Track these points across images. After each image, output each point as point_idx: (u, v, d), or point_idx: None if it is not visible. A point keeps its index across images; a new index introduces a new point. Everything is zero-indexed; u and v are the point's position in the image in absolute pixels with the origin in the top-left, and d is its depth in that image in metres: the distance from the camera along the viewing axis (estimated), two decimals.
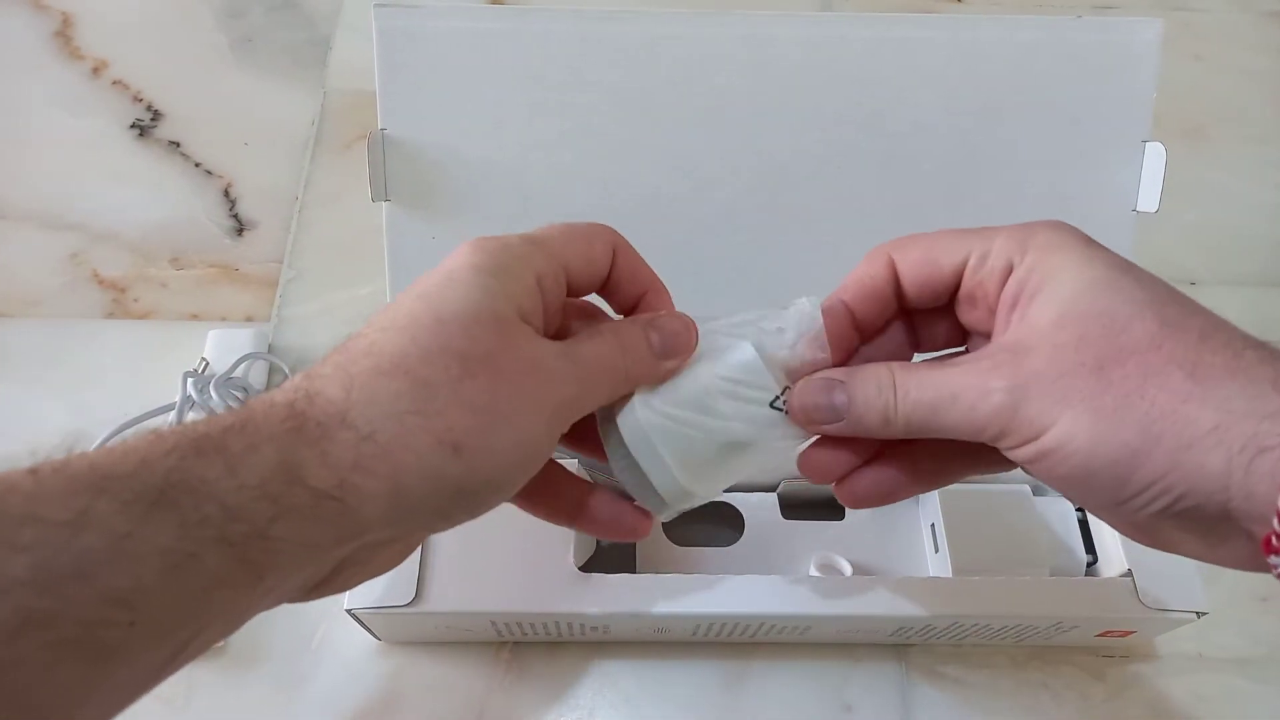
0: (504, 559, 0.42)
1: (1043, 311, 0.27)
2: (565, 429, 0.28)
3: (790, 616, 0.42)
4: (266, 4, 0.72)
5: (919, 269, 0.30)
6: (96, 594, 0.20)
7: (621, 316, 0.33)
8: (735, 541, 0.47)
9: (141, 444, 0.22)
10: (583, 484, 0.33)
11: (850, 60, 0.43)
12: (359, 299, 0.58)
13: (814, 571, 0.45)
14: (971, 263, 0.29)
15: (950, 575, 0.44)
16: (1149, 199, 0.44)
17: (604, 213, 0.45)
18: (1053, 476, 0.26)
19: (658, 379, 0.30)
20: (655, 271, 0.33)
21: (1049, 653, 0.48)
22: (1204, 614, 0.42)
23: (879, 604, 0.42)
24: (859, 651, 0.48)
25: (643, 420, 0.30)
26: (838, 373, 0.30)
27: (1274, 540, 0.23)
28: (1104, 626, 0.44)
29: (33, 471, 0.21)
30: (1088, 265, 0.27)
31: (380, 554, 0.28)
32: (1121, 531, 0.29)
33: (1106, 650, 0.48)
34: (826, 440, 0.31)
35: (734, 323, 0.32)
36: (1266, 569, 0.24)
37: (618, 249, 0.31)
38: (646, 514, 0.33)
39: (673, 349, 0.30)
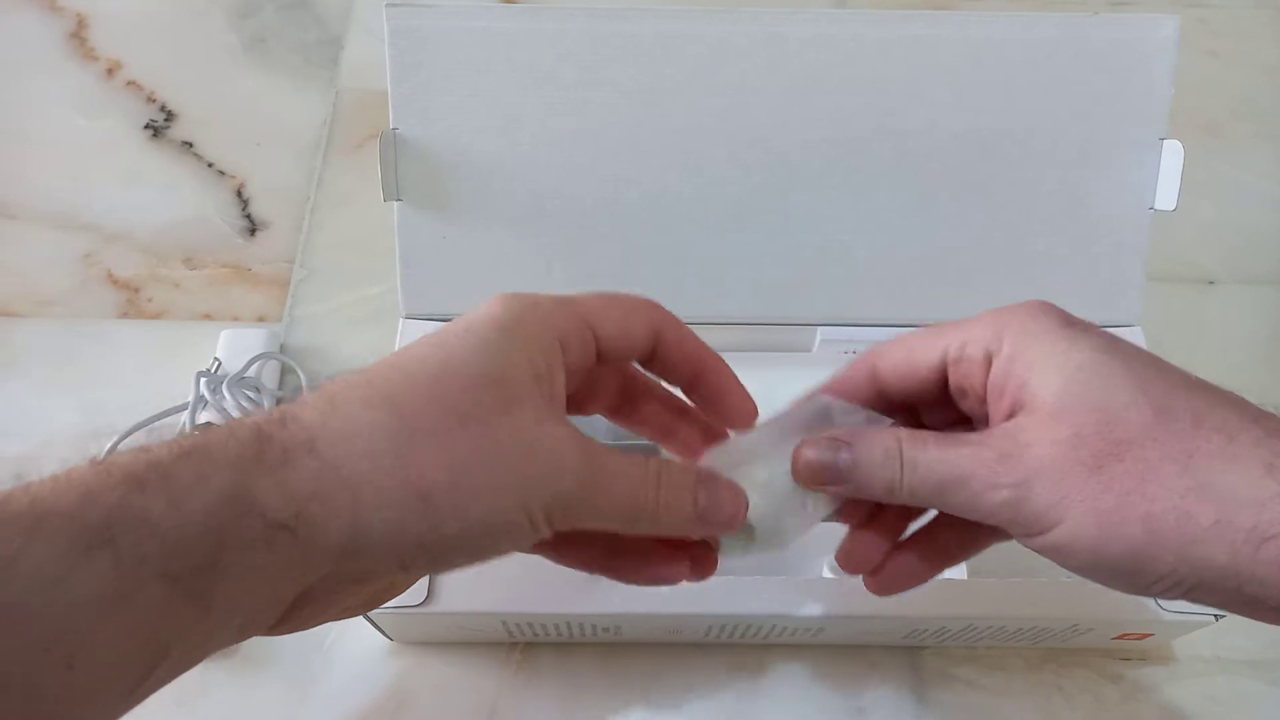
0: (516, 559, 0.41)
1: (1036, 402, 0.26)
2: (560, 526, 0.26)
3: (803, 618, 0.42)
4: (278, 4, 0.72)
5: (899, 372, 0.30)
6: (29, 639, 0.19)
7: (678, 392, 0.32)
8: None
9: (88, 475, 0.21)
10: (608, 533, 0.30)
11: (863, 58, 0.43)
12: (371, 299, 0.59)
13: (827, 573, 0.45)
14: (951, 357, 0.29)
15: (965, 577, 0.44)
16: (1167, 197, 0.44)
17: (615, 211, 0.45)
18: (1069, 567, 0.26)
19: (679, 534, 0.29)
20: (712, 349, 0.31)
21: (1064, 655, 0.48)
22: (1221, 616, 0.41)
23: (892, 605, 0.41)
24: (873, 653, 0.47)
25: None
26: (843, 433, 0.29)
27: None
28: (1121, 629, 0.43)
29: None
30: (1072, 349, 0.27)
31: (345, 593, 0.26)
32: None
33: (1122, 653, 0.48)
34: (858, 532, 0.32)
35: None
36: None
37: (664, 327, 0.29)
38: (679, 560, 0.31)
39: (714, 518, 0.28)
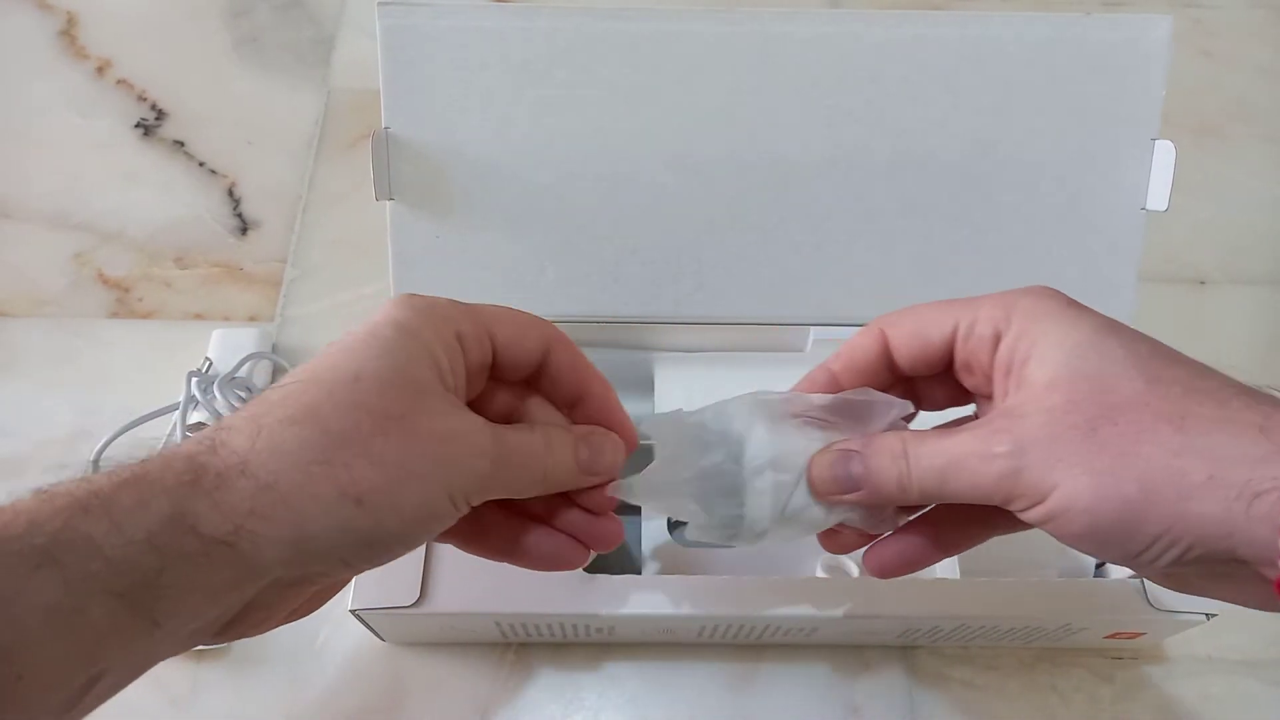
0: None
1: (1034, 376, 0.28)
2: (476, 501, 0.29)
3: (797, 618, 0.42)
4: (271, 3, 0.72)
5: (909, 343, 0.31)
6: None
7: (562, 415, 0.33)
8: None
9: (33, 504, 0.23)
10: (516, 522, 0.33)
11: (858, 58, 0.43)
12: (363, 298, 0.58)
13: (821, 572, 0.45)
14: (960, 333, 0.30)
15: (957, 576, 0.44)
16: (1158, 197, 0.44)
17: (608, 210, 0.44)
18: (1066, 535, 0.27)
19: (573, 488, 0.32)
20: (600, 374, 0.33)
21: (1057, 654, 0.48)
22: (1213, 615, 0.42)
23: (886, 605, 0.41)
24: (866, 653, 0.47)
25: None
26: (854, 443, 0.31)
27: None
28: (1113, 628, 0.43)
29: None
30: (1073, 328, 0.28)
31: (290, 596, 0.28)
32: (1153, 582, 0.29)
33: (1115, 652, 0.48)
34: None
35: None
36: None
37: (554, 344, 0.32)
38: (583, 547, 0.33)
39: (596, 468, 0.31)
